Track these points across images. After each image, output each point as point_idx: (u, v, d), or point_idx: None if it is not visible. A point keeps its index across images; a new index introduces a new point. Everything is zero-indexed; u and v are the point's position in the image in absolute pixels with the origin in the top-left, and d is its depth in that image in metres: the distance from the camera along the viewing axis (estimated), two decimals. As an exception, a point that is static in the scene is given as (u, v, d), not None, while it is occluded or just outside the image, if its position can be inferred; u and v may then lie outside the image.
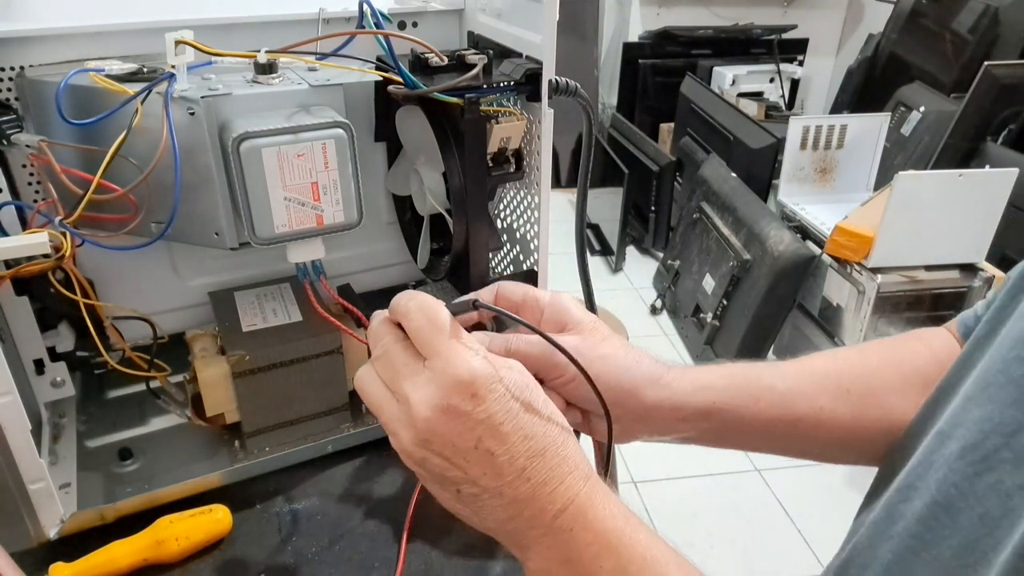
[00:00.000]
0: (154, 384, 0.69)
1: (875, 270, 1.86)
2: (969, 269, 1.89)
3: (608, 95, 3.62)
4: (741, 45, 3.44)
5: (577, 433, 0.55)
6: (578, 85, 0.59)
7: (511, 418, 0.39)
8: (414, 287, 0.84)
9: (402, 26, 0.72)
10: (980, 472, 0.39)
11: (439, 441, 0.39)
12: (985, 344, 0.45)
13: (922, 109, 2.46)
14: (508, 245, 0.76)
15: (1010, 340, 0.42)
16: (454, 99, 0.59)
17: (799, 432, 0.54)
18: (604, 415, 0.47)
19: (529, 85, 0.61)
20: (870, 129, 2.19)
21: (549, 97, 0.60)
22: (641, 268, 3.01)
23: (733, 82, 3.26)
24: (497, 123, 0.62)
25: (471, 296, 0.47)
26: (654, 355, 0.53)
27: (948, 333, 0.58)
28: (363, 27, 0.62)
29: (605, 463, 0.49)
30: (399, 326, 0.42)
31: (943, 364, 0.54)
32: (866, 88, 3.12)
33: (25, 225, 0.59)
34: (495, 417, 0.38)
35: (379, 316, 0.44)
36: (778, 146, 2.45)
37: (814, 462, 0.59)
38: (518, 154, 0.65)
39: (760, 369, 0.55)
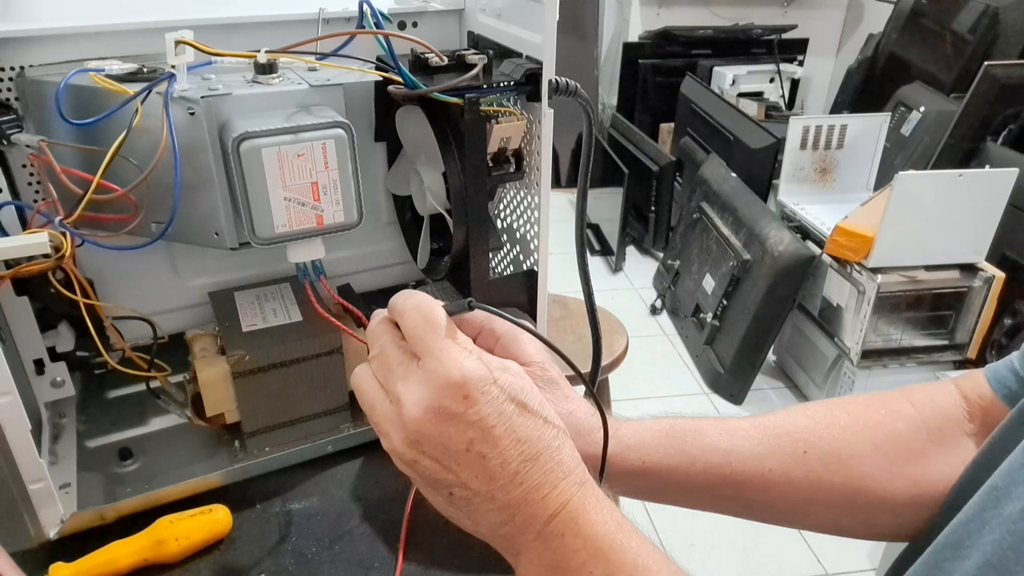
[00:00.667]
0: (154, 384, 0.69)
1: (875, 270, 1.86)
2: (969, 269, 1.90)
3: (608, 95, 3.62)
4: (741, 45, 3.45)
5: None
6: (578, 85, 0.59)
7: (504, 421, 0.38)
8: (414, 287, 0.84)
9: (402, 26, 0.72)
10: None
11: (430, 443, 0.38)
12: None
13: (922, 109, 2.46)
14: (508, 245, 0.76)
15: None
16: (454, 99, 0.59)
17: (746, 495, 0.52)
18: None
19: (529, 85, 0.61)
20: (870, 129, 2.19)
21: (549, 97, 0.60)
22: (641, 268, 3.01)
23: (733, 82, 3.26)
24: (497, 123, 0.62)
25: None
26: (583, 400, 0.51)
27: (950, 391, 0.54)
28: (363, 27, 0.62)
29: (600, 471, 0.49)
30: (398, 326, 0.42)
31: (931, 429, 0.52)
32: (866, 88, 3.12)
33: (25, 225, 0.59)
34: (487, 420, 0.38)
35: (378, 315, 0.44)
36: (778, 146, 2.45)
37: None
38: (518, 154, 0.65)
39: (704, 425, 0.53)
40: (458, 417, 0.38)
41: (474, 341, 0.50)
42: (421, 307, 0.41)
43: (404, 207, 0.77)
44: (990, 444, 0.47)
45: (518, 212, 0.72)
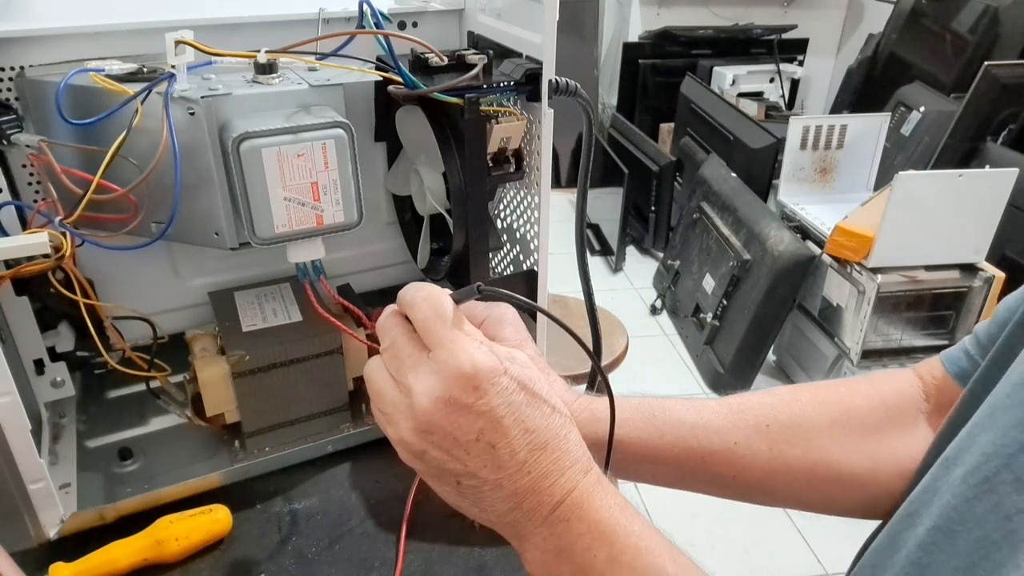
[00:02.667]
0: (154, 384, 0.69)
1: (875, 270, 1.86)
2: (969, 269, 1.89)
3: (608, 95, 3.62)
4: (741, 45, 3.45)
5: None
6: (578, 85, 0.59)
7: (513, 411, 0.38)
8: (414, 287, 0.84)
9: (402, 26, 0.72)
10: (980, 495, 0.39)
11: (439, 432, 0.39)
12: (995, 376, 0.44)
13: (922, 109, 2.46)
14: (508, 245, 0.76)
15: (1018, 372, 0.41)
16: (454, 99, 0.59)
17: (710, 468, 0.54)
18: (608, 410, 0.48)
19: (529, 85, 0.61)
20: (870, 129, 2.19)
21: (549, 97, 0.60)
22: (641, 268, 3.01)
23: (733, 82, 3.26)
24: (497, 123, 0.62)
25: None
26: (566, 385, 0.53)
27: (910, 376, 0.57)
28: (363, 27, 0.62)
29: (606, 459, 0.49)
30: (407, 319, 0.42)
31: (889, 407, 0.55)
32: (866, 88, 3.12)
33: (25, 225, 0.59)
34: (497, 410, 0.38)
35: (389, 309, 0.44)
36: (778, 146, 2.45)
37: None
38: (518, 154, 0.65)
39: (672, 403, 0.55)
40: (468, 408, 0.38)
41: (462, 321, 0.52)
42: (430, 299, 0.41)
43: (404, 207, 0.77)
44: (947, 423, 0.49)
45: (518, 212, 0.72)
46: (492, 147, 0.63)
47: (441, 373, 0.38)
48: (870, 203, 1.94)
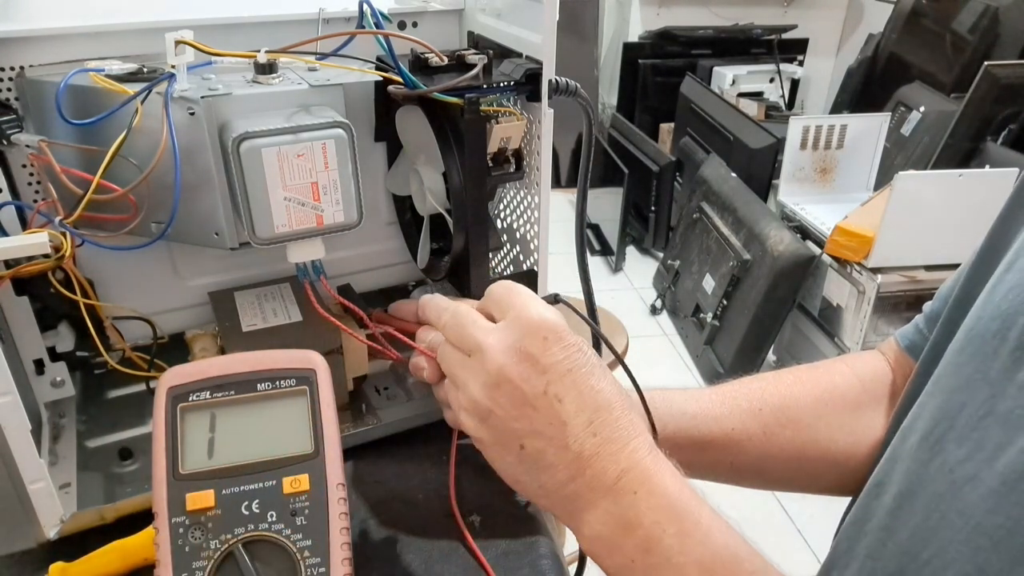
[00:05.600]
0: (154, 384, 0.69)
1: (875, 270, 1.86)
2: (969, 269, 1.89)
3: (608, 95, 3.63)
4: (741, 45, 3.45)
5: None
6: (578, 85, 0.59)
7: (579, 367, 0.40)
8: (414, 287, 0.84)
9: (402, 26, 0.72)
10: (932, 457, 0.41)
11: (508, 386, 0.40)
12: (942, 349, 0.48)
13: (922, 109, 2.46)
14: (508, 245, 0.76)
15: (957, 342, 0.45)
16: (454, 99, 0.58)
17: (709, 455, 0.55)
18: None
19: (529, 85, 0.61)
20: (870, 129, 2.20)
21: (549, 97, 0.60)
22: (641, 268, 3.01)
23: (733, 82, 3.26)
24: (497, 123, 0.62)
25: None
26: None
27: (877, 354, 0.60)
28: (363, 27, 0.62)
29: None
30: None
31: (865, 383, 0.58)
32: (866, 88, 3.12)
33: (25, 225, 0.59)
34: (563, 364, 0.39)
35: (428, 296, 0.47)
36: (778, 146, 2.46)
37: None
38: (518, 154, 0.65)
39: (672, 394, 0.57)
40: (536, 359, 0.40)
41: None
42: (503, 283, 0.45)
43: (404, 207, 0.77)
44: (904, 394, 0.52)
45: (518, 212, 0.72)
46: (492, 147, 0.63)
47: (511, 327, 0.41)
48: (870, 203, 1.94)
